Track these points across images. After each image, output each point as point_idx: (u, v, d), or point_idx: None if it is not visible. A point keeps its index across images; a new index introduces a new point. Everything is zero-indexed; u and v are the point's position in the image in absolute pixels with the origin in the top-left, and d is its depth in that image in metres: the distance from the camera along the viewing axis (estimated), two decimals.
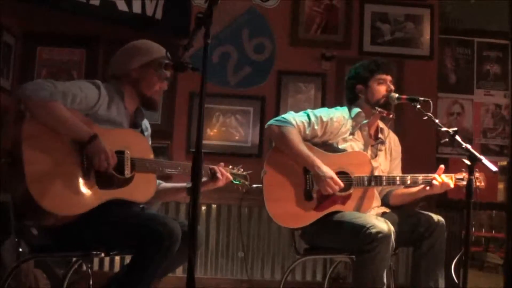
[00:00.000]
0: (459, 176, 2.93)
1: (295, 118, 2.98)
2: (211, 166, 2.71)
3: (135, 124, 2.72)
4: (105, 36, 4.27)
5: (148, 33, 3.98)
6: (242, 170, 2.86)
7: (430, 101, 2.90)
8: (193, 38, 2.12)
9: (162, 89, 2.72)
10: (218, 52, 4.37)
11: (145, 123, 2.82)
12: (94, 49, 4.31)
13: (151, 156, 2.63)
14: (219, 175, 2.70)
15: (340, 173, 2.93)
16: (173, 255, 2.40)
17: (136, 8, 3.97)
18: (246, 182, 2.86)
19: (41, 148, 2.36)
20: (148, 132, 2.85)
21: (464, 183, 2.80)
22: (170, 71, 2.56)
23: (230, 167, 2.81)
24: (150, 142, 2.78)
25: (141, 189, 2.56)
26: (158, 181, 2.72)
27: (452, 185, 2.90)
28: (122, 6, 3.91)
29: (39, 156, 2.35)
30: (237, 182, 2.82)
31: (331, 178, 2.86)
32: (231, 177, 2.77)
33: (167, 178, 3.08)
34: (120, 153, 2.50)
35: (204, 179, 2.65)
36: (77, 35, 4.28)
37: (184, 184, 2.79)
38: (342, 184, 2.88)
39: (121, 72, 2.67)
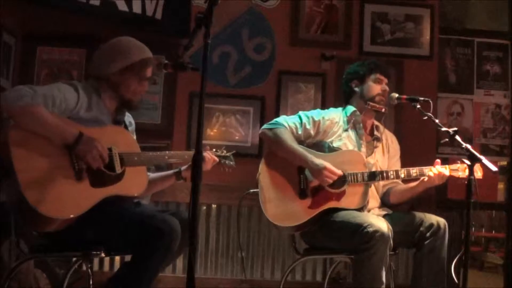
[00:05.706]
0: (454, 167, 2.93)
1: (286, 120, 3.08)
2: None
3: (117, 121, 2.73)
4: (105, 36, 4.23)
5: (148, 33, 4.00)
6: (225, 151, 2.98)
7: (430, 101, 2.91)
8: (193, 38, 2.13)
9: (143, 90, 2.72)
10: (218, 52, 4.36)
11: (128, 119, 2.84)
12: (94, 49, 4.25)
13: (138, 149, 2.66)
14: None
15: None
16: (173, 251, 2.41)
17: (136, 8, 3.96)
18: (232, 162, 2.97)
19: (30, 155, 2.36)
20: (132, 127, 2.87)
21: (460, 174, 2.85)
22: (154, 70, 2.59)
23: (214, 150, 2.91)
24: (135, 137, 2.79)
25: (134, 183, 2.58)
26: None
27: (447, 173, 2.91)
28: (122, 6, 3.90)
29: (29, 163, 2.35)
30: (223, 162, 2.93)
31: (326, 168, 2.89)
32: (217, 159, 2.87)
33: (169, 167, 3.13)
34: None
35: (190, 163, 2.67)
36: (77, 35, 4.26)
37: (171, 172, 2.86)
38: (339, 172, 2.91)
39: (100, 75, 2.67)
